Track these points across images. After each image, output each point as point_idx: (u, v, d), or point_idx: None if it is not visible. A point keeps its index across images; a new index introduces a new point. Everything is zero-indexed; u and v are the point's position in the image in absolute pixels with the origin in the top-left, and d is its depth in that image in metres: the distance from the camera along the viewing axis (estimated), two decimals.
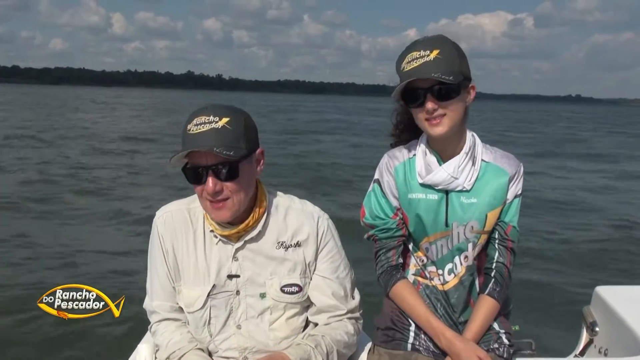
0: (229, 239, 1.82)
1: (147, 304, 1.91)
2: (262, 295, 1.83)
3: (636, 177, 16.95)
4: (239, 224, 1.79)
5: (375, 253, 2.04)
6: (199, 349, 1.83)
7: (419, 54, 1.78)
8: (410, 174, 1.96)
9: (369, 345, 2.10)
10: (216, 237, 1.83)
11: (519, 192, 1.96)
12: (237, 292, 1.83)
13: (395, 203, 1.99)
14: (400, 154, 2.01)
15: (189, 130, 1.67)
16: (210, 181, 1.67)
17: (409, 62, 1.80)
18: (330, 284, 1.89)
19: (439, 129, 1.83)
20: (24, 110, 39.66)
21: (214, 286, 1.82)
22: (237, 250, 1.83)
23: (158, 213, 1.91)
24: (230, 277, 1.83)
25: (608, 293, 2.74)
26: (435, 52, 1.77)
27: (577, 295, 5.81)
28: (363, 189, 2.08)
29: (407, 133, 2.06)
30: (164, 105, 58.42)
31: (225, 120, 1.66)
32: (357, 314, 1.96)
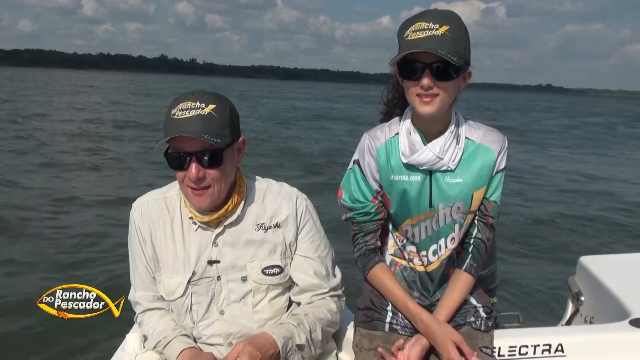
0: (208, 225, 1.82)
1: (131, 296, 1.92)
2: (244, 279, 1.83)
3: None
4: (218, 210, 1.79)
5: (354, 236, 2.02)
6: (184, 334, 1.84)
7: (427, 26, 1.68)
8: (392, 154, 1.90)
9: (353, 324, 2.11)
10: (195, 224, 1.83)
11: (502, 167, 1.90)
12: (219, 278, 1.83)
13: (375, 186, 1.94)
14: (382, 133, 1.93)
15: (174, 115, 1.65)
16: (193, 167, 1.67)
17: (415, 31, 1.69)
18: (312, 263, 1.89)
19: (427, 108, 1.75)
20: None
21: (193, 273, 1.82)
22: (217, 235, 1.82)
23: (134, 205, 1.90)
24: (210, 262, 1.82)
25: (592, 262, 2.80)
26: (445, 27, 1.67)
27: (561, 267, 5.88)
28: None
29: (400, 109, 1.99)
30: (142, 90, 57.40)
31: (211, 107, 1.65)
32: (339, 292, 1.96)
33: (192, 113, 1.63)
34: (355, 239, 2.02)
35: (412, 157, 1.85)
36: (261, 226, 1.85)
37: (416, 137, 1.86)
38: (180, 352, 1.78)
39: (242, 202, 1.83)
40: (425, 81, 1.71)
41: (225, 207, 1.79)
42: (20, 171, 11.27)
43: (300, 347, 1.78)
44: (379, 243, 2.02)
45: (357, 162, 1.97)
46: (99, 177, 11.30)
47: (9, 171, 11.11)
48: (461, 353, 1.82)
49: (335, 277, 1.95)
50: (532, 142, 22.26)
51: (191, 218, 1.83)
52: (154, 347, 1.86)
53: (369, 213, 1.96)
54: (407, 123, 1.89)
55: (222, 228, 1.82)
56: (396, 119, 1.96)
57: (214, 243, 1.83)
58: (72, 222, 7.70)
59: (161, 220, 1.86)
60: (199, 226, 1.83)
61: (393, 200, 1.93)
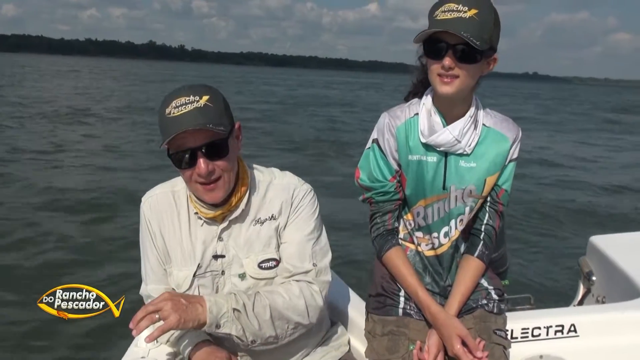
0: (214, 220, 1.81)
1: (143, 290, 1.91)
2: (242, 276, 1.82)
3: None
4: (224, 204, 1.77)
5: (371, 216, 2.01)
6: (206, 340, 1.82)
7: (457, 7, 1.68)
8: (411, 134, 1.90)
9: (364, 312, 2.11)
10: (201, 219, 1.82)
11: (515, 156, 1.92)
12: (223, 272, 1.82)
13: (394, 165, 1.93)
14: (402, 113, 1.93)
15: (169, 113, 1.61)
16: (201, 162, 1.64)
17: (444, 11, 1.69)
18: (286, 247, 1.84)
19: (447, 88, 1.75)
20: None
21: (199, 266, 1.81)
22: (222, 230, 1.81)
23: (143, 198, 1.89)
24: (215, 257, 1.81)
25: (602, 242, 2.80)
26: (473, 11, 1.67)
27: (572, 248, 5.91)
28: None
29: (424, 90, 1.97)
30: (140, 77, 56.89)
31: (205, 98, 1.62)
32: (310, 279, 1.82)
33: (189, 107, 1.60)
34: (372, 219, 2.00)
35: (431, 137, 1.85)
36: (258, 220, 1.83)
37: (436, 118, 1.86)
38: (195, 344, 1.77)
39: (246, 196, 1.81)
40: (447, 61, 1.71)
41: (229, 202, 1.77)
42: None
43: (236, 311, 1.67)
44: (396, 224, 2.01)
45: (376, 140, 1.95)
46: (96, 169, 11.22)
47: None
48: (466, 346, 1.82)
49: (314, 264, 1.84)
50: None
51: (196, 213, 1.82)
52: (167, 341, 1.85)
53: (388, 192, 1.94)
54: (428, 104, 1.88)
55: (227, 223, 1.81)
56: (415, 99, 1.95)
57: (219, 238, 1.81)
58: (72, 223, 7.67)
59: (169, 214, 1.85)
60: (205, 221, 1.82)
61: (409, 179, 1.92)
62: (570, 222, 7.97)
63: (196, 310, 1.59)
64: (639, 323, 2.13)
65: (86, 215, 7.90)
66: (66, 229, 7.28)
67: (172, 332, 1.79)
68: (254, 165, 1.92)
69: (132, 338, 1.87)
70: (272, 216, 1.83)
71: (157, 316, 1.54)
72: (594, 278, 2.78)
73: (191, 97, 1.61)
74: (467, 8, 1.67)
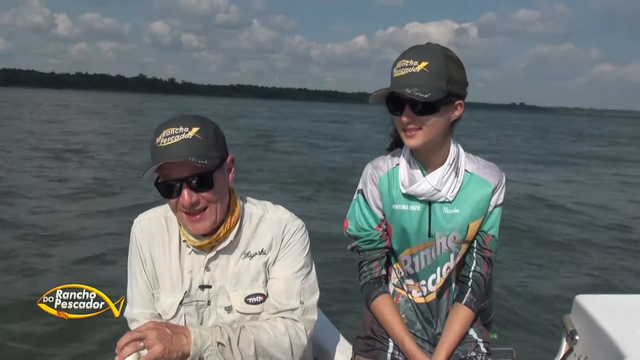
0: (201, 249, 1.81)
1: (128, 312, 1.87)
2: (228, 309, 1.81)
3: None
4: (212, 234, 1.77)
5: (359, 264, 2.03)
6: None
7: (408, 63, 1.74)
8: (393, 184, 1.94)
9: (350, 352, 2.12)
10: (189, 247, 1.82)
11: (500, 202, 1.94)
12: (209, 303, 1.82)
13: (379, 214, 1.96)
14: (384, 163, 1.97)
15: (159, 143, 1.63)
16: (185, 193, 1.65)
17: (398, 68, 1.76)
18: (274, 283, 1.83)
19: (412, 141, 1.80)
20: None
21: (185, 295, 1.81)
22: (209, 260, 1.81)
23: (135, 221, 1.90)
24: (202, 287, 1.81)
25: (588, 302, 2.77)
26: (424, 64, 1.73)
27: (557, 304, 5.89)
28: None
29: None
30: (129, 111, 56.93)
31: (195, 130, 1.64)
32: (296, 317, 1.80)
33: (177, 138, 1.62)
34: (360, 267, 2.02)
35: (411, 187, 1.88)
36: (248, 254, 1.83)
37: (415, 169, 1.90)
38: None
39: (236, 228, 1.81)
40: (404, 118, 1.78)
41: (217, 232, 1.77)
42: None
43: (220, 345, 1.66)
44: (384, 272, 2.02)
45: (360, 191, 2.00)
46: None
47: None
48: None
49: (301, 302, 1.83)
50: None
51: (184, 241, 1.82)
52: None
53: (374, 240, 1.98)
54: (407, 154, 1.92)
55: (214, 253, 1.80)
56: (398, 150, 1.99)
57: (207, 267, 1.81)
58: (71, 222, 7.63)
59: (160, 239, 1.85)
60: (193, 250, 1.82)
61: (394, 228, 1.95)
62: (558, 275, 7.88)
63: (181, 341, 1.58)
64: None
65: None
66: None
67: None
68: (247, 198, 1.93)
69: None
70: (262, 251, 1.83)
71: (141, 344, 1.53)
72: (577, 337, 2.75)
73: (180, 129, 1.63)
74: (417, 62, 1.73)
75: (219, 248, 1.79)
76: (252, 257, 1.83)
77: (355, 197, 2.02)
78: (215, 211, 1.72)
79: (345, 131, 39.56)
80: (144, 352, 1.54)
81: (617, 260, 8.86)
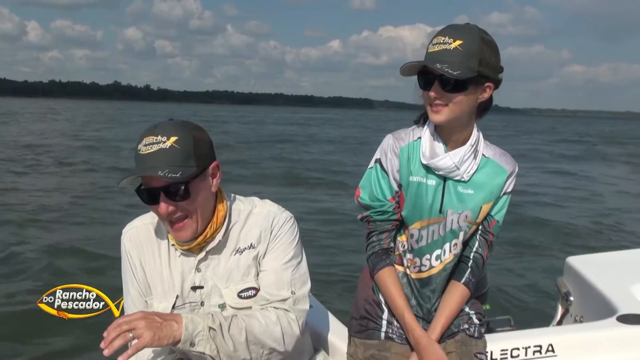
0: (190, 251, 1.83)
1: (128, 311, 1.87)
2: (222, 307, 1.83)
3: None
4: (198, 237, 1.79)
5: (368, 234, 2.05)
6: (180, 359, 1.83)
7: (443, 40, 1.79)
8: (413, 156, 1.97)
9: (347, 336, 2.15)
10: (178, 250, 1.84)
11: (509, 190, 2.00)
12: (202, 303, 1.83)
13: (395, 186, 1.98)
14: (407, 136, 2.00)
15: (139, 150, 1.66)
16: (162, 203, 1.68)
17: (433, 44, 1.81)
18: (264, 275, 1.85)
19: (437, 117, 1.85)
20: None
21: (178, 298, 1.82)
22: (199, 261, 1.83)
23: (124, 231, 1.92)
24: (194, 288, 1.83)
25: (578, 262, 2.87)
26: (458, 42, 1.77)
27: (550, 270, 6.02)
28: None
29: None
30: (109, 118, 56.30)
31: (173, 139, 1.65)
32: (287, 307, 1.82)
33: (154, 148, 1.63)
34: (369, 238, 2.05)
35: (433, 160, 1.92)
36: (238, 250, 1.85)
37: (438, 143, 1.94)
38: None
39: (223, 228, 1.83)
40: (431, 92, 1.82)
41: (204, 234, 1.79)
42: None
43: (212, 330, 1.67)
44: (392, 244, 2.05)
45: (378, 160, 2.02)
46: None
47: None
48: None
49: (292, 292, 1.85)
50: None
51: (173, 245, 1.84)
52: None
53: (387, 212, 1.99)
54: (432, 128, 1.96)
55: (204, 254, 1.82)
56: (419, 125, 2.02)
57: (197, 269, 1.83)
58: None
59: (149, 245, 1.87)
60: (182, 253, 1.83)
61: (408, 200, 1.98)
62: (548, 242, 8.13)
63: (171, 327, 1.60)
64: (615, 341, 2.19)
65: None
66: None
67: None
68: (235, 196, 1.94)
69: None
70: (251, 245, 1.85)
71: (130, 335, 1.54)
72: (571, 298, 2.84)
73: (159, 137, 1.65)
74: (452, 40, 1.79)
75: (207, 249, 1.81)
76: (242, 252, 1.85)
77: (371, 165, 2.04)
78: (197, 220, 1.74)
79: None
80: (135, 341, 1.55)
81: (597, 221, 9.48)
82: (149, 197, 1.70)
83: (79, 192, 12.11)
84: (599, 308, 2.47)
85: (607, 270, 2.77)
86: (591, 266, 2.81)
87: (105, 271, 5.88)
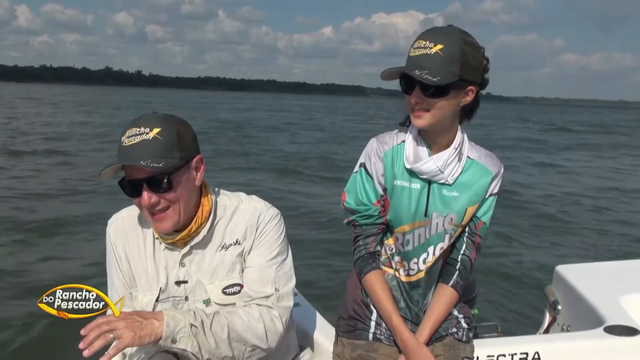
0: (174, 245, 1.83)
1: (108, 313, 1.87)
2: (206, 302, 1.83)
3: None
4: (182, 231, 1.79)
5: (355, 238, 2.05)
6: (164, 351, 1.81)
7: (424, 44, 1.77)
8: (397, 160, 1.96)
9: (334, 335, 2.15)
10: (162, 244, 1.84)
11: (495, 191, 1.99)
12: (186, 298, 1.84)
13: (380, 189, 1.98)
14: (390, 139, 1.99)
15: (122, 142, 1.66)
16: (145, 194, 1.68)
17: (415, 48, 1.79)
18: (249, 272, 1.85)
19: (419, 122, 1.84)
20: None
21: (161, 291, 1.83)
22: (183, 256, 1.83)
23: (109, 222, 1.91)
24: (178, 283, 1.83)
25: (567, 271, 2.86)
26: (439, 47, 1.75)
27: (538, 277, 6.05)
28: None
29: None
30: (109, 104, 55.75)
31: (156, 130, 1.65)
32: (270, 304, 1.81)
33: (137, 139, 1.64)
34: (355, 242, 2.05)
35: (416, 164, 1.91)
36: (224, 246, 1.85)
37: (422, 147, 1.93)
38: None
39: (209, 223, 1.83)
40: (412, 98, 1.82)
41: (189, 228, 1.79)
42: None
43: (193, 327, 1.68)
44: (378, 248, 2.05)
45: (363, 165, 2.01)
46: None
47: None
48: None
49: (276, 289, 1.84)
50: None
51: (157, 238, 1.84)
52: None
53: (372, 216, 1.99)
54: (415, 132, 1.95)
55: (188, 248, 1.82)
56: (404, 128, 2.01)
57: (181, 263, 1.83)
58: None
59: (134, 237, 1.86)
60: (166, 246, 1.83)
61: (393, 204, 1.97)
62: (538, 249, 8.08)
63: (152, 325, 1.61)
64: (602, 351, 2.20)
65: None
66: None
67: (140, 354, 1.83)
68: (220, 190, 1.94)
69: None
70: (236, 241, 1.85)
71: (111, 335, 1.55)
72: (559, 307, 2.84)
73: (142, 129, 1.65)
74: (432, 44, 1.76)
75: (192, 243, 1.81)
76: (228, 248, 1.84)
77: (356, 170, 2.03)
78: (178, 211, 1.74)
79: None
80: (116, 342, 1.56)
81: (591, 231, 9.28)
82: (132, 189, 1.69)
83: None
84: (586, 318, 2.47)
85: (596, 281, 2.77)
86: (580, 276, 2.81)
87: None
